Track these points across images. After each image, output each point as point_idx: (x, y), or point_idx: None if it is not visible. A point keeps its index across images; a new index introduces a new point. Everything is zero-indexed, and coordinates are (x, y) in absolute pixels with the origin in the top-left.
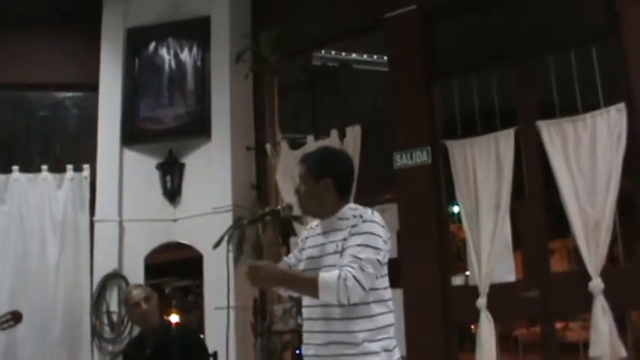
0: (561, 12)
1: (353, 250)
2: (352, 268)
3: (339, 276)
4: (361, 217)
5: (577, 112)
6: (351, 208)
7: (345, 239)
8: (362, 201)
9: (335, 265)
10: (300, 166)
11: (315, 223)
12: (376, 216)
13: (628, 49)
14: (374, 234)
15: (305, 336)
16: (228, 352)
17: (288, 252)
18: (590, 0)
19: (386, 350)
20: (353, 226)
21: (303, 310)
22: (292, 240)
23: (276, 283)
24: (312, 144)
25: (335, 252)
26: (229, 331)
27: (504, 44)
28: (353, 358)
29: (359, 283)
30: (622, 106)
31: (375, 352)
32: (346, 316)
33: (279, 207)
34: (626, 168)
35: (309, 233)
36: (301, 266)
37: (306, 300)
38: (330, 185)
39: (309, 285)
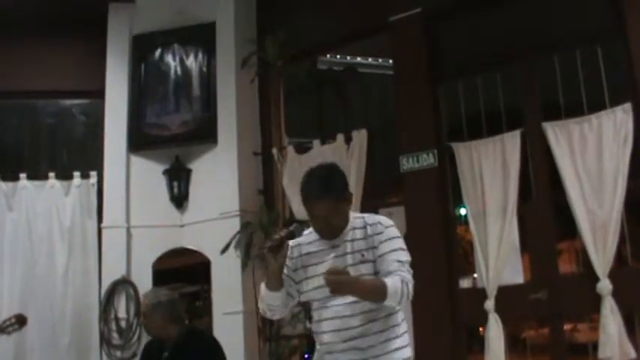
0: (566, 12)
1: (393, 255)
2: (403, 271)
3: (402, 281)
4: (380, 223)
5: (583, 112)
6: (356, 217)
7: (373, 248)
8: (369, 205)
9: (361, 275)
10: (324, 200)
11: (305, 239)
12: (389, 220)
13: (633, 49)
14: (399, 237)
15: (332, 347)
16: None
17: None
18: (595, 0)
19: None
20: (377, 234)
21: (326, 322)
22: None
23: (352, 288)
24: (318, 148)
25: (362, 262)
26: (239, 336)
27: (509, 45)
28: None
29: (411, 284)
30: (628, 106)
31: (405, 346)
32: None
33: (291, 229)
34: (633, 168)
35: (305, 250)
36: (309, 285)
37: (331, 310)
38: (349, 199)
39: (379, 291)
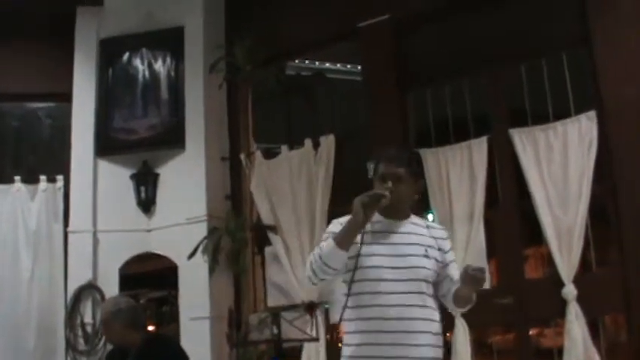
0: (533, 21)
1: (456, 265)
2: None
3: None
4: (443, 230)
5: (548, 120)
6: (415, 216)
7: (440, 250)
8: (337, 211)
9: (424, 267)
10: (397, 166)
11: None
12: None
13: (598, 58)
14: None
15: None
16: None
17: (263, 261)
18: (562, 9)
19: None
20: (443, 239)
21: (381, 322)
22: (268, 250)
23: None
24: (286, 153)
25: (424, 256)
26: (206, 342)
27: (476, 53)
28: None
29: None
30: (592, 114)
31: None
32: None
33: (386, 193)
34: (598, 175)
35: (368, 227)
36: (366, 262)
37: (393, 297)
38: (419, 184)
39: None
